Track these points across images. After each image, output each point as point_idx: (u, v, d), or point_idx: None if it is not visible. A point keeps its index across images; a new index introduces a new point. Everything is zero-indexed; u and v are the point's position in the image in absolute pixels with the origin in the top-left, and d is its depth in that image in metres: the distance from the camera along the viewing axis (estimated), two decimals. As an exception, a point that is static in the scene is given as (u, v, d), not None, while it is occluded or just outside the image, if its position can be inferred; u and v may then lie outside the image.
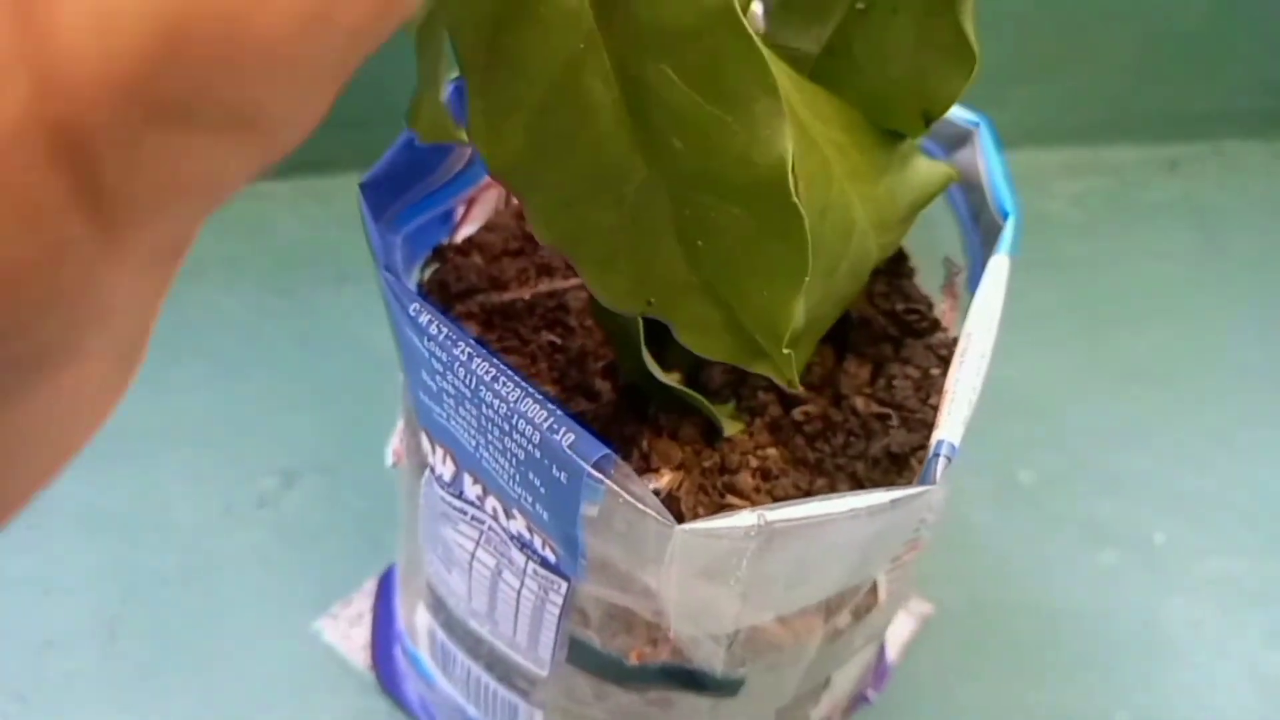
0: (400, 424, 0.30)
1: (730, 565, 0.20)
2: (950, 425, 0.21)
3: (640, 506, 0.20)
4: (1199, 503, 0.48)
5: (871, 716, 0.40)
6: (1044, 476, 0.48)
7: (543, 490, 0.21)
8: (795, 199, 0.18)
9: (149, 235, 0.12)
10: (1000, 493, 0.47)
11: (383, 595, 0.40)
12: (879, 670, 0.40)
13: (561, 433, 0.20)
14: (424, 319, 0.22)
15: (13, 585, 0.41)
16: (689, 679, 0.26)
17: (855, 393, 0.27)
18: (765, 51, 0.17)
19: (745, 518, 0.20)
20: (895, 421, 0.26)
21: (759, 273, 0.19)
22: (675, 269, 0.19)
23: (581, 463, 0.20)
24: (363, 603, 0.40)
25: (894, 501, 0.20)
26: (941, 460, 0.21)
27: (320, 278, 0.53)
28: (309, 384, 0.49)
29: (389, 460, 0.31)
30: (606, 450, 0.20)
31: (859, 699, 0.39)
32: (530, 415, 0.21)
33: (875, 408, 0.26)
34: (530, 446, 0.21)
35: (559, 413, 0.21)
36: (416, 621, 0.33)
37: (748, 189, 0.18)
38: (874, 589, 0.26)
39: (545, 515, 0.22)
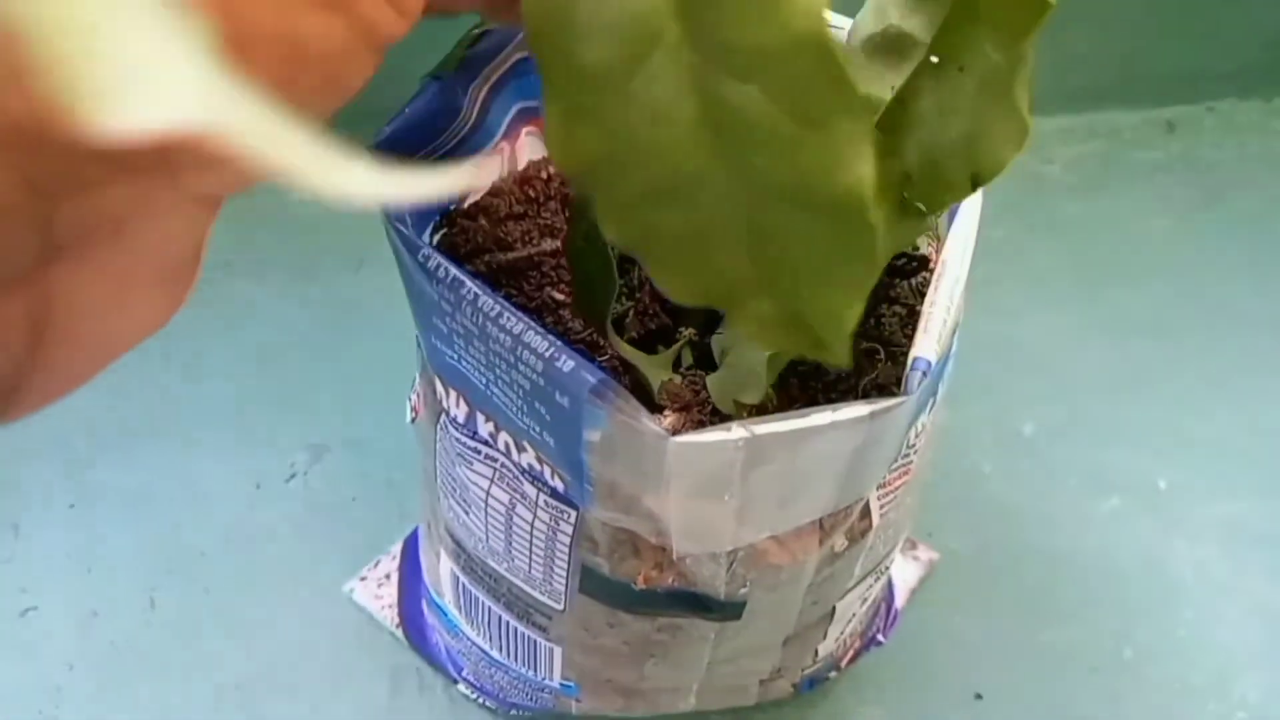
0: (417, 379, 0.32)
1: (723, 480, 0.22)
2: (926, 343, 0.23)
3: (636, 423, 0.21)
4: (1200, 448, 0.49)
5: (883, 656, 0.41)
6: (1047, 428, 0.49)
7: (548, 418, 0.23)
8: (870, 219, 0.18)
9: None
10: (1005, 445, 0.49)
11: (408, 557, 0.42)
12: (889, 616, 0.42)
13: (562, 360, 0.22)
14: (432, 263, 0.24)
15: (58, 561, 0.44)
16: (694, 602, 0.27)
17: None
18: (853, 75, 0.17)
19: (735, 431, 0.21)
20: (882, 356, 0.28)
21: (827, 279, 0.20)
22: (741, 270, 0.20)
23: (582, 384, 0.22)
24: (389, 565, 0.42)
25: (873, 414, 0.21)
26: (918, 375, 0.22)
27: (341, 266, 0.55)
28: (334, 365, 0.51)
29: (408, 416, 0.33)
30: (604, 375, 0.22)
31: (870, 641, 0.41)
32: (533, 345, 0.22)
33: (864, 344, 0.28)
34: (535, 375, 0.23)
35: (559, 342, 0.22)
36: (440, 570, 0.34)
37: (827, 205, 0.18)
38: (867, 512, 0.27)
39: (552, 442, 0.24)
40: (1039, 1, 0.21)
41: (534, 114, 0.34)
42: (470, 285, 0.23)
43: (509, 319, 0.23)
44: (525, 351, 0.22)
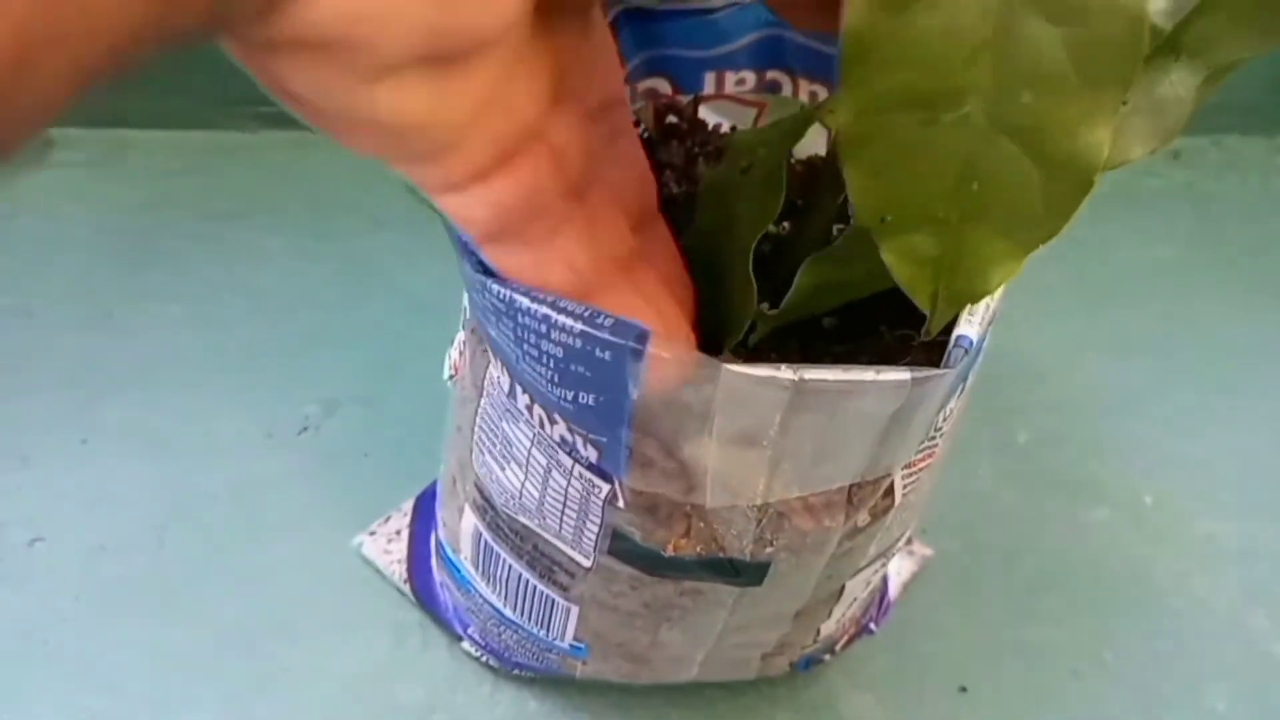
0: (460, 336, 0.33)
1: (765, 423, 0.23)
2: (970, 323, 0.24)
3: (685, 359, 0.22)
4: (1188, 467, 0.50)
5: (873, 645, 0.42)
6: (1041, 438, 0.51)
7: (589, 375, 0.24)
8: (1095, 179, 0.20)
9: None
10: (1000, 452, 0.50)
11: (420, 514, 0.42)
12: (881, 605, 0.43)
13: (602, 317, 0.23)
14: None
15: (67, 495, 0.44)
16: (721, 567, 0.28)
17: (883, 321, 0.30)
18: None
19: (784, 371, 0.22)
20: (918, 343, 0.29)
21: (1009, 226, 0.21)
22: (934, 199, 0.21)
23: (628, 332, 0.22)
24: (400, 521, 0.43)
25: (914, 379, 0.23)
26: (960, 351, 0.23)
27: (359, 223, 0.56)
28: (347, 321, 0.51)
29: (446, 372, 0.34)
30: (643, 327, 0.23)
31: (863, 629, 0.42)
32: (570, 309, 0.23)
33: (900, 330, 0.29)
34: (570, 339, 0.23)
35: (593, 307, 0.23)
36: (461, 526, 0.35)
37: (1060, 158, 0.19)
38: (890, 491, 0.29)
39: (591, 401, 0.24)
40: None
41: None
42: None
43: (540, 293, 0.23)
44: (562, 317, 0.23)
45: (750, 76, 0.37)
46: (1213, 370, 0.54)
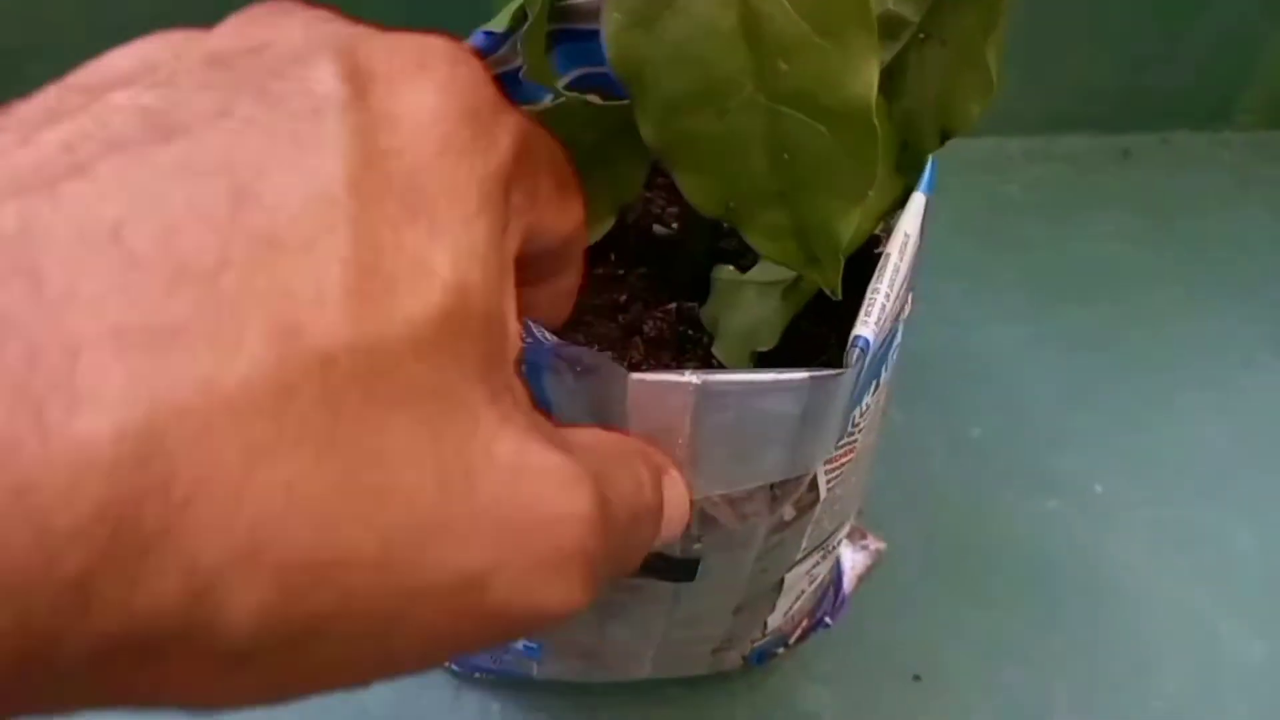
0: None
1: (676, 425, 0.24)
2: (865, 325, 0.25)
3: (597, 366, 0.24)
4: (1136, 458, 0.52)
5: (829, 637, 0.44)
6: (994, 433, 0.52)
7: None
8: (874, 122, 0.22)
9: None
10: (953, 447, 0.51)
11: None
12: (837, 601, 0.44)
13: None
14: None
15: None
16: (653, 562, 0.30)
17: (803, 319, 0.31)
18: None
19: (688, 375, 0.24)
20: (833, 341, 0.30)
21: (830, 186, 0.23)
22: (759, 178, 0.23)
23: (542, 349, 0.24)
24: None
25: (812, 379, 0.24)
26: (856, 351, 0.25)
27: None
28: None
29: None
30: (557, 340, 0.24)
31: (818, 623, 0.43)
32: None
33: (817, 329, 0.31)
34: None
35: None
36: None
37: (836, 110, 0.21)
38: (814, 486, 0.30)
39: None
40: None
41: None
42: None
43: None
44: None
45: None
46: (1159, 364, 0.56)
